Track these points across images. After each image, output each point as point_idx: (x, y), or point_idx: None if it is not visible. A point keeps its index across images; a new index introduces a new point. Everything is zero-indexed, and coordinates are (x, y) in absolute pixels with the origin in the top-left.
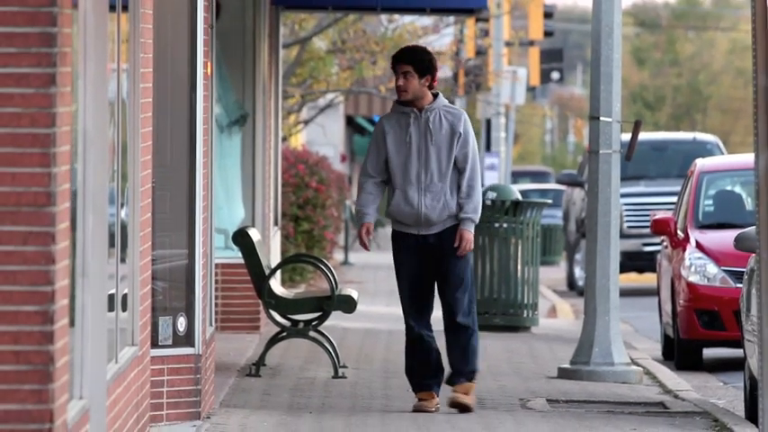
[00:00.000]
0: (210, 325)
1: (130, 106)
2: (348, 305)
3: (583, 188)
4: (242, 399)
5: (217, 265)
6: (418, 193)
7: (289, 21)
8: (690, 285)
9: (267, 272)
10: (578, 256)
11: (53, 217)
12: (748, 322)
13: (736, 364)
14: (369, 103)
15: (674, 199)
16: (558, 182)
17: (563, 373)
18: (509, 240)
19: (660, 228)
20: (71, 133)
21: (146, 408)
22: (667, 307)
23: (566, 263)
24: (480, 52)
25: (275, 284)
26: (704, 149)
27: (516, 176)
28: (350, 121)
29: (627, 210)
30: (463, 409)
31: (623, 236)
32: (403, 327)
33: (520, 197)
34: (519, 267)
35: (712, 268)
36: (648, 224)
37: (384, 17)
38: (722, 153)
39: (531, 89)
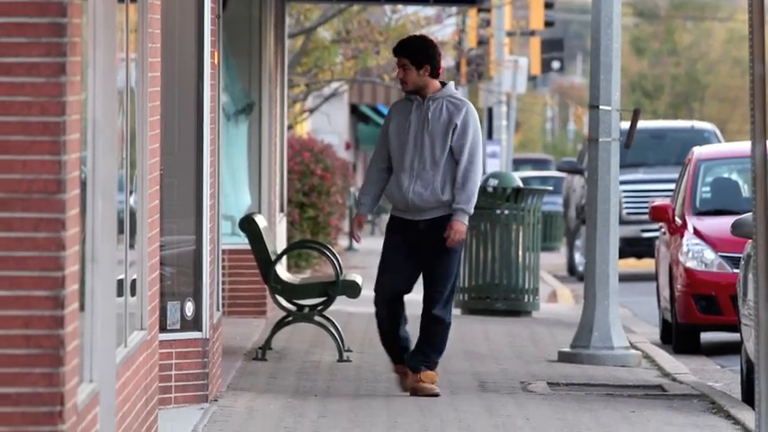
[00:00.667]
0: (218, 310)
1: (139, 95)
2: (353, 290)
3: (583, 175)
4: (249, 382)
5: (224, 251)
6: (409, 179)
7: (294, 11)
8: (687, 271)
9: (273, 257)
10: (578, 242)
11: (63, 204)
12: (745, 307)
13: (733, 348)
14: (373, 92)
15: (673, 186)
16: (559, 169)
17: (563, 357)
18: (510, 227)
19: (658, 214)
20: (81, 121)
21: (154, 391)
22: (665, 292)
23: (566, 249)
24: (482, 42)
25: (281, 270)
26: (702, 137)
27: (517, 164)
28: (354, 110)
29: (626, 197)
30: (429, 393)
31: (622, 222)
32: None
33: (521, 184)
34: (520, 253)
35: (709, 254)
36: (647, 211)
37: (388, 7)
38: (719, 141)
39: (531, 78)
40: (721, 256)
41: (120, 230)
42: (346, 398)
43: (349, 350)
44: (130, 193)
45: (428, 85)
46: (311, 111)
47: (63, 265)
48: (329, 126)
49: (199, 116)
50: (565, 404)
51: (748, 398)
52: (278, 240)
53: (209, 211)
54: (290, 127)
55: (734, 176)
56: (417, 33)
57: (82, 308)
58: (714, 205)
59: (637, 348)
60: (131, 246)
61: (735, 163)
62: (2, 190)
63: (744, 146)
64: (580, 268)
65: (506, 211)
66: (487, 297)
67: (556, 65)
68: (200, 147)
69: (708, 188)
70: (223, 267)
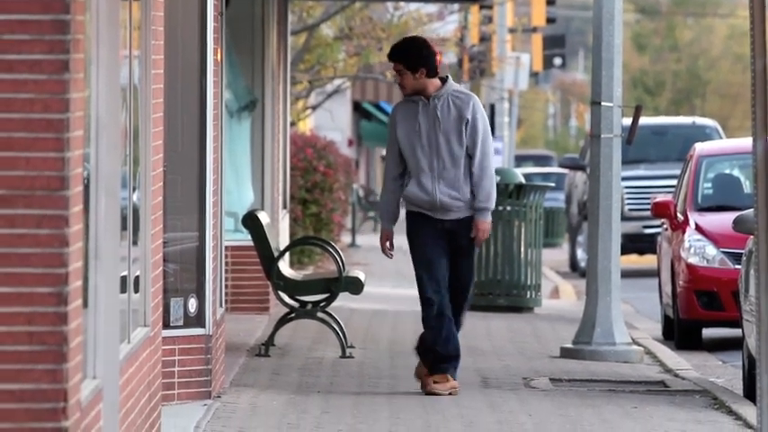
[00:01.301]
0: (221, 306)
1: (142, 92)
2: (355, 286)
3: (585, 172)
4: (252, 378)
5: (227, 247)
6: (432, 180)
7: (297, 8)
8: (689, 267)
9: (276, 254)
10: (580, 239)
11: (66, 200)
12: (747, 303)
13: (735, 344)
14: (375, 89)
15: (674, 182)
16: (561, 165)
17: (565, 353)
18: (513, 223)
19: (660, 210)
20: (84, 118)
21: (157, 387)
22: (667, 288)
23: (568, 245)
24: (484, 39)
25: (284, 266)
26: (703, 134)
27: (519, 160)
28: (357, 107)
29: (628, 193)
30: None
31: (624, 218)
32: (408, 307)
33: (523, 181)
34: (522, 249)
35: (711, 250)
36: (649, 207)
37: (390, 4)
38: (721, 137)
39: (533, 75)
40: (723, 252)
41: (124, 227)
42: (349, 394)
43: (351, 346)
44: (133, 189)
45: (428, 85)
46: (314, 107)
47: (66, 261)
48: (332, 123)
49: (202, 113)
50: (567, 400)
51: (750, 393)
52: (281, 237)
53: (213, 207)
54: (292, 124)
55: (735, 172)
56: (411, 35)
57: (85, 304)
58: (716, 201)
59: (639, 344)
60: (134, 242)
61: (736, 159)
62: (5, 187)
63: (745, 142)
64: (582, 264)
65: (508, 208)
66: (490, 293)
67: (558, 61)
68: (203, 143)
69: (709, 184)
70: (226, 264)
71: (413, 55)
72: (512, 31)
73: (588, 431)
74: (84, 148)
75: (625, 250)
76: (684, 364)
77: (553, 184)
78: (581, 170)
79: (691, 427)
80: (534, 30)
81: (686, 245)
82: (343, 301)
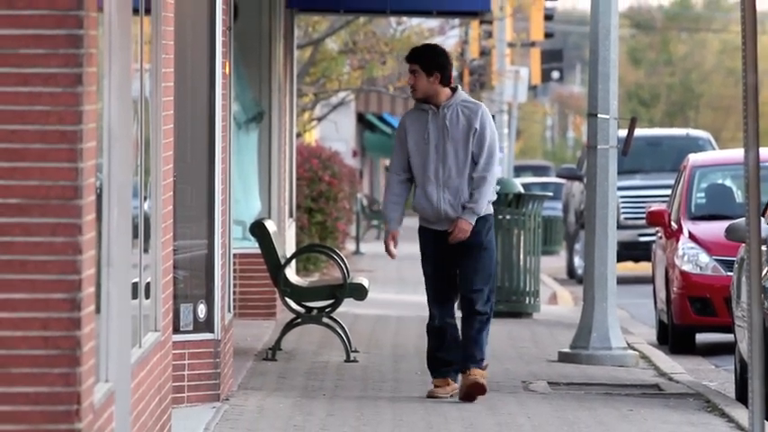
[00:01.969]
0: (229, 312)
1: (153, 104)
2: (359, 293)
3: (582, 181)
4: (259, 381)
5: (235, 254)
6: (437, 189)
7: (302, 23)
8: (683, 274)
9: (282, 261)
10: (577, 246)
11: (80, 209)
12: (738, 308)
13: (728, 348)
14: (379, 101)
15: (669, 192)
16: (558, 176)
17: (563, 357)
18: (512, 231)
19: (655, 219)
20: (97, 130)
21: (168, 390)
22: (662, 294)
23: (565, 252)
24: (484, 53)
25: (290, 273)
26: (696, 145)
27: (518, 170)
28: (361, 118)
29: (623, 202)
30: (480, 389)
31: (620, 227)
32: (413, 313)
33: (522, 190)
34: (521, 257)
35: (704, 257)
36: (644, 216)
37: (393, 19)
38: (714, 148)
39: (532, 88)
40: (716, 260)
41: (135, 235)
42: (353, 397)
43: (356, 351)
44: (145, 198)
45: (439, 93)
46: (319, 119)
47: (80, 268)
48: (337, 134)
49: (211, 124)
50: (565, 403)
51: (742, 396)
52: (287, 244)
53: (221, 216)
54: (298, 135)
55: (728, 182)
56: (428, 42)
57: (98, 310)
58: (708, 210)
59: (634, 349)
60: (146, 250)
61: (728, 169)
62: (20, 196)
63: (737, 153)
64: (579, 271)
65: (508, 216)
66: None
67: (555, 75)
68: (212, 154)
69: (702, 194)
70: (234, 271)
71: (430, 58)
72: (511, 45)
73: None
74: (97, 158)
75: (621, 258)
76: (678, 368)
77: (551, 194)
78: (578, 180)
79: (684, 430)
80: (533, 44)
81: (680, 253)
82: (348, 306)
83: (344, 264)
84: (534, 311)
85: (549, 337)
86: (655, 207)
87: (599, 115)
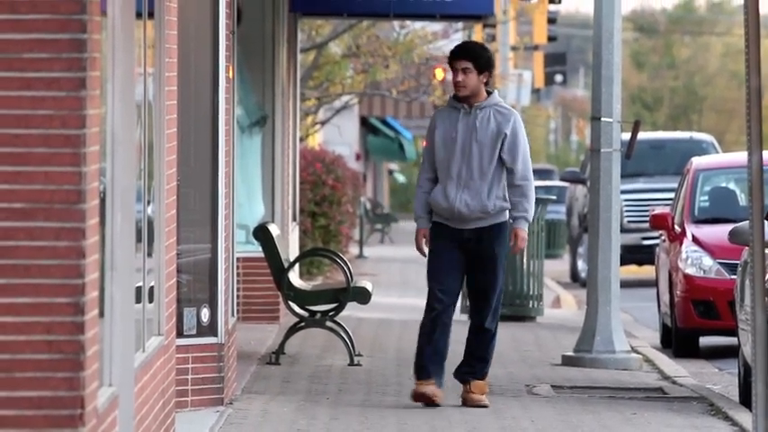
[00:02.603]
0: (233, 315)
1: (156, 108)
2: (363, 296)
3: (585, 185)
4: (263, 385)
5: (238, 258)
6: (456, 189)
7: (306, 27)
8: (686, 277)
9: (286, 265)
10: (581, 250)
11: (83, 213)
12: (742, 312)
13: (731, 352)
14: (382, 105)
15: (672, 195)
16: (562, 179)
17: (567, 361)
18: None
19: (658, 222)
20: (100, 134)
21: (171, 394)
22: (665, 297)
23: (569, 256)
24: None
25: (294, 277)
26: (700, 148)
27: None
28: (364, 122)
29: (627, 205)
30: (480, 407)
31: (623, 230)
32: (416, 317)
33: None
34: (525, 260)
35: (708, 261)
36: (647, 219)
37: (396, 23)
38: (717, 151)
39: (535, 91)
40: (719, 263)
41: (139, 239)
42: (357, 401)
43: (359, 354)
44: (148, 202)
45: (480, 93)
46: (322, 123)
47: (83, 272)
48: (340, 138)
49: (214, 128)
50: (568, 406)
51: (745, 400)
52: (290, 248)
53: (224, 220)
54: (302, 139)
55: (731, 186)
56: (473, 40)
57: (101, 314)
58: (712, 214)
59: (638, 352)
60: (149, 254)
61: (732, 173)
62: (24, 200)
63: (740, 156)
64: (583, 275)
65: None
66: None
67: (559, 78)
68: (216, 158)
69: (706, 197)
70: (238, 275)
71: (483, 56)
72: (514, 48)
73: None
74: (101, 162)
75: (624, 261)
76: (682, 371)
77: (554, 197)
78: (581, 183)
79: None
80: (536, 48)
81: (683, 256)
82: (352, 310)
83: (348, 267)
84: (538, 315)
85: (553, 341)
86: (658, 210)
87: (602, 118)
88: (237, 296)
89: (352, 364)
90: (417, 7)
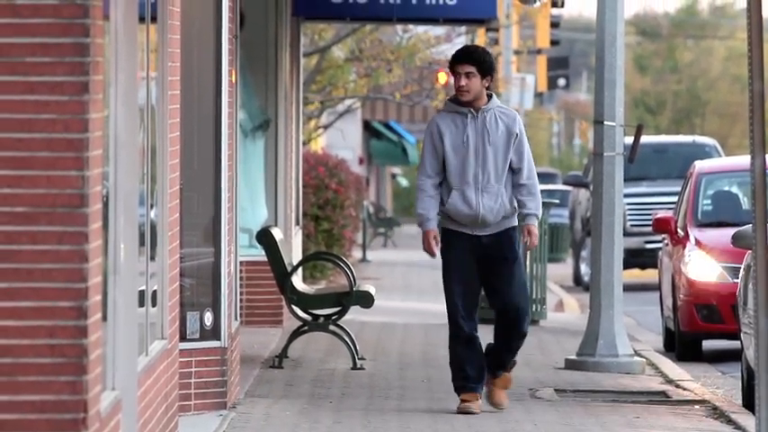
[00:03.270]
0: (236, 319)
1: (159, 112)
2: (366, 300)
3: (588, 189)
4: (266, 389)
5: (241, 262)
6: (476, 193)
7: (309, 31)
8: (690, 281)
9: (289, 269)
10: (584, 254)
11: (86, 217)
12: (745, 315)
13: (734, 355)
14: (385, 109)
15: (675, 199)
16: (565, 183)
17: (570, 364)
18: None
19: (661, 226)
20: (103, 138)
21: (174, 398)
22: (668, 301)
23: (572, 260)
24: None
25: (297, 281)
26: (703, 152)
27: None
28: (367, 126)
29: (630, 209)
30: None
31: (626, 234)
32: (419, 321)
33: None
34: (528, 264)
35: (711, 264)
36: (650, 223)
37: (399, 27)
38: (720, 155)
39: (538, 95)
40: (722, 267)
41: (142, 243)
42: (360, 404)
43: (362, 358)
44: (151, 206)
45: (482, 96)
46: (325, 127)
47: (86, 276)
48: (343, 142)
49: (217, 132)
50: (571, 410)
51: (749, 403)
52: (294, 252)
53: (227, 224)
54: (305, 143)
55: (734, 189)
56: (475, 45)
57: (104, 318)
58: (715, 217)
59: (641, 356)
60: (152, 258)
61: (735, 176)
62: (27, 204)
63: (743, 160)
64: (586, 278)
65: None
66: None
67: (562, 82)
68: (219, 162)
69: (709, 201)
70: (241, 278)
71: (487, 61)
72: (517, 52)
73: None
74: (103, 166)
75: (627, 265)
76: (685, 375)
77: (557, 201)
78: (584, 187)
79: None
80: (539, 51)
81: (686, 260)
82: (355, 314)
83: (351, 271)
84: (541, 319)
85: (556, 345)
86: (661, 214)
87: (605, 122)
88: (241, 300)
89: (354, 367)
90: (420, 11)
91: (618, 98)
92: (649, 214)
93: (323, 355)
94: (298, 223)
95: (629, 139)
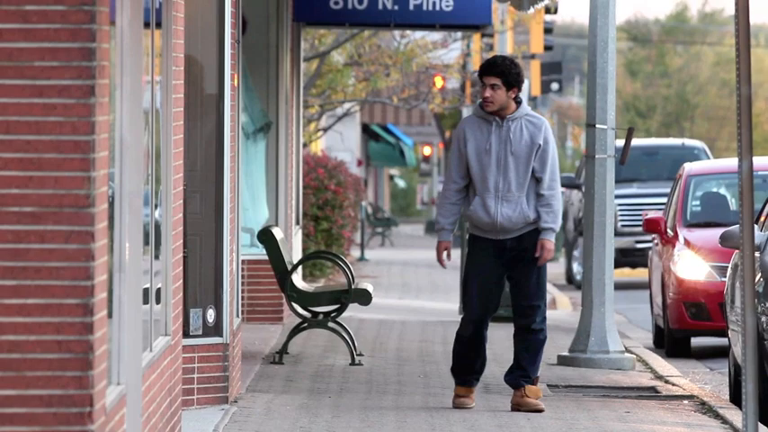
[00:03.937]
0: (237, 316)
1: (163, 115)
2: (364, 298)
3: (580, 190)
4: (267, 384)
5: (243, 261)
6: (495, 201)
7: (309, 36)
8: (679, 279)
9: (289, 267)
10: (576, 253)
11: (92, 217)
12: (732, 313)
13: (722, 352)
14: (383, 112)
15: (665, 200)
16: None
17: (562, 361)
18: None
19: (651, 226)
20: (109, 140)
21: (178, 393)
22: (658, 299)
23: (564, 259)
24: None
25: (297, 279)
26: (692, 154)
27: None
28: (365, 129)
29: (621, 210)
30: (536, 412)
31: (617, 234)
32: (416, 318)
33: None
34: None
35: (699, 264)
36: (641, 223)
37: (397, 33)
38: (708, 158)
39: (532, 99)
40: (710, 266)
41: (146, 242)
42: (358, 399)
43: (361, 354)
44: (155, 206)
45: (509, 106)
46: (325, 129)
47: (92, 274)
48: (342, 144)
49: (219, 135)
50: (563, 405)
51: (736, 399)
52: (294, 251)
53: (230, 223)
54: (305, 145)
55: (722, 191)
56: (502, 55)
57: (110, 315)
58: (704, 218)
59: (631, 352)
60: (156, 256)
61: (723, 178)
62: (35, 204)
63: (731, 162)
64: (578, 277)
65: None
66: None
67: (555, 86)
68: (221, 163)
69: (698, 202)
70: (242, 276)
71: (511, 73)
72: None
73: None
74: (109, 167)
75: (618, 264)
76: (674, 371)
77: None
78: (577, 188)
79: (680, 431)
80: (533, 57)
81: (676, 259)
82: (353, 311)
83: (349, 270)
84: None
85: (549, 341)
86: (651, 215)
87: (597, 125)
88: (242, 297)
89: (353, 363)
90: (417, 17)
91: (609, 102)
92: (640, 215)
93: (322, 351)
94: (298, 223)
95: (621, 142)
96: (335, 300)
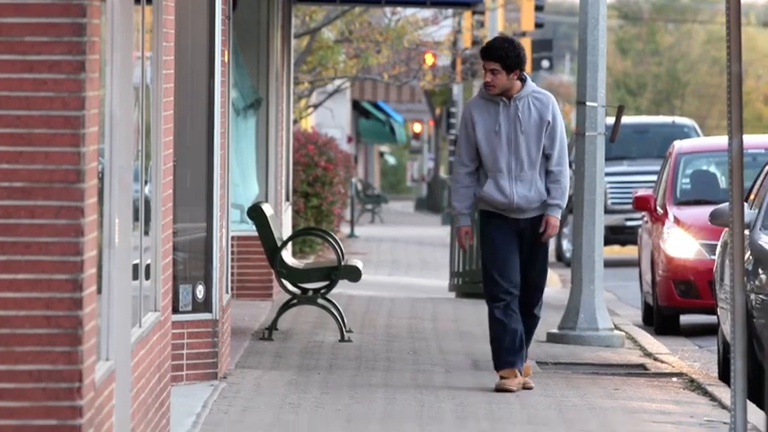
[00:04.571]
0: (227, 292)
1: (154, 91)
2: (354, 275)
3: (571, 168)
4: (256, 360)
5: (233, 237)
6: (509, 181)
7: (300, 13)
8: (668, 257)
9: (279, 244)
10: (566, 230)
11: (82, 192)
12: (721, 291)
13: (711, 330)
14: (373, 89)
15: (655, 177)
16: None
17: (551, 338)
18: None
19: (641, 204)
20: (99, 116)
21: (167, 369)
22: (647, 277)
23: (554, 236)
24: (476, 42)
25: (287, 255)
26: (682, 132)
27: None
28: (356, 105)
29: (611, 187)
30: (526, 389)
31: (607, 211)
32: (405, 295)
33: None
34: None
35: (689, 241)
36: (630, 201)
37: (388, 9)
38: (698, 135)
39: None
40: (700, 244)
41: (136, 218)
42: (347, 375)
43: (350, 331)
44: (145, 182)
45: (513, 86)
46: (315, 106)
47: (82, 250)
48: (332, 120)
49: (210, 111)
50: (553, 382)
51: (724, 376)
52: (284, 228)
53: (219, 200)
54: (295, 121)
55: (712, 169)
56: (503, 35)
57: (99, 290)
58: (693, 196)
59: (620, 330)
60: (146, 232)
61: (713, 156)
62: (25, 179)
63: (721, 140)
64: (568, 255)
65: None
66: (480, 281)
67: (545, 64)
68: (211, 140)
69: (687, 180)
70: (232, 253)
71: (511, 56)
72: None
73: (572, 411)
74: (99, 143)
75: (608, 242)
76: (663, 348)
77: None
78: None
79: (669, 408)
80: (523, 34)
81: (665, 237)
82: (342, 288)
83: (339, 246)
84: None
85: None
86: (641, 192)
87: (587, 103)
88: (232, 273)
89: (342, 340)
90: None
91: (600, 80)
92: (629, 193)
93: (311, 327)
94: (288, 199)
95: (611, 120)
96: (325, 276)
